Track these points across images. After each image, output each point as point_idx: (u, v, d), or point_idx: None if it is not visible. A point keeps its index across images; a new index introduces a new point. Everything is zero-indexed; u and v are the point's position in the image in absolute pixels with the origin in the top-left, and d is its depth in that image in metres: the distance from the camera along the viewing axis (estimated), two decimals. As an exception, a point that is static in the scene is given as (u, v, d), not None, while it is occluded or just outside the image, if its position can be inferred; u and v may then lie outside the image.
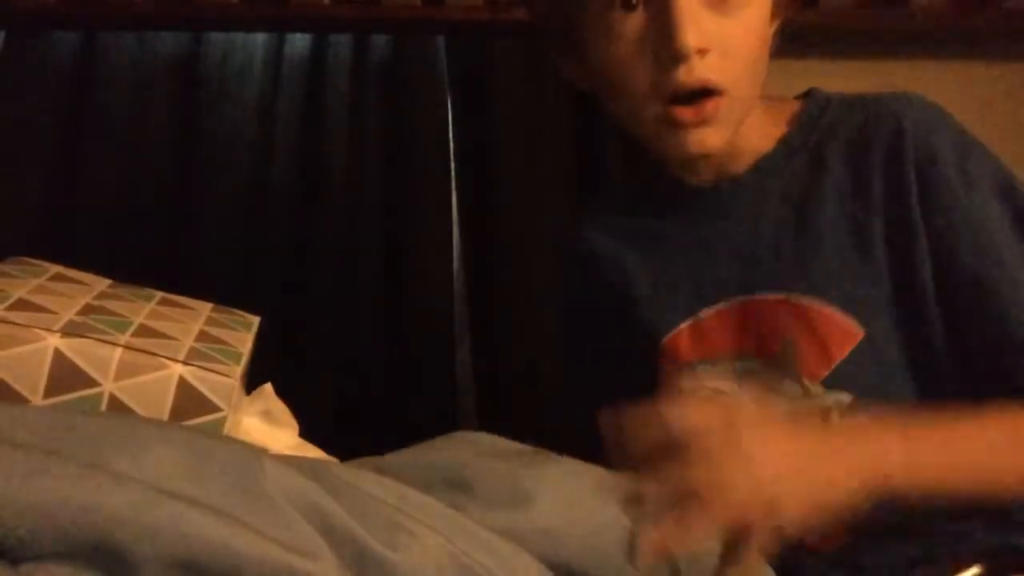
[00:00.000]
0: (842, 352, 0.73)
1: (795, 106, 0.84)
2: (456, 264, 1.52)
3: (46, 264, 0.73)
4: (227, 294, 1.42)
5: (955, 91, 1.71)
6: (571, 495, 0.55)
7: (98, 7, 1.49)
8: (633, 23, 0.72)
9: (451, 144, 1.56)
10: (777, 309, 0.75)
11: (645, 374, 0.82)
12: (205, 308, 0.73)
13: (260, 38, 1.56)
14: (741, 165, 0.80)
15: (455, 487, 0.54)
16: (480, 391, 1.46)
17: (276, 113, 1.53)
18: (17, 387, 0.59)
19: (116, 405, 0.59)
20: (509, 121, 1.54)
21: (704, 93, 0.72)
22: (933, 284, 0.72)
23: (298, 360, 1.42)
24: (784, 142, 0.80)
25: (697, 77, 0.71)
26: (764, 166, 0.80)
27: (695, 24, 0.70)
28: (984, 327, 0.72)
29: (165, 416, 0.59)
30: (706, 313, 0.78)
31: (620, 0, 0.71)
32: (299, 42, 1.57)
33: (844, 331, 0.73)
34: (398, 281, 1.48)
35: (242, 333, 0.69)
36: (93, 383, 0.59)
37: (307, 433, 0.70)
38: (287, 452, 0.65)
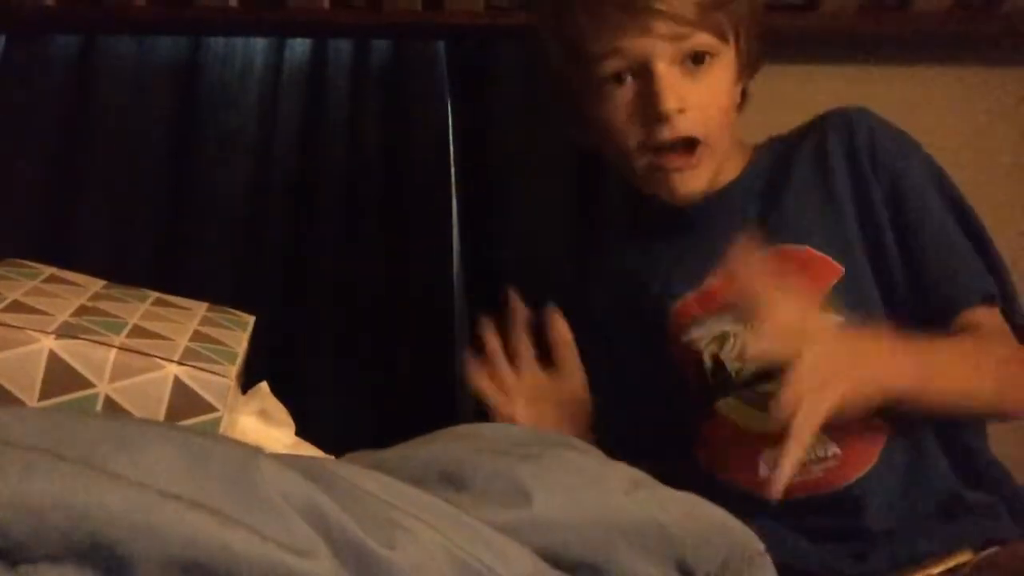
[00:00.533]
0: (827, 284, 0.88)
1: (755, 143, 1.03)
2: (456, 264, 1.52)
3: (40, 266, 0.73)
4: (226, 294, 1.42)
5: (955, 96, 1.71)
6: (571, 485, 0.55)
7: (98, 11, 1.50)
8: (624, 93, 0.89)
9: (451, 148, 1.56)
10: (770, 260, 0.89)
11: (657, 353, 0.97)
12: (200, 308, 0.73)
13: (260, 43, 1.56)
14: (721, 183, 0.97)
15: (450, 484, 0.54)
16: (480, 392, 1.46)
17: (276, 118, 1.53)
18: (12, 389, 0.58)
19: (111, 406, 0.59)
20: (509, 125, 1.54)
21: (685, 144, 0.90)
22: (894, 239, 0.90)
23: (297, 360, 1.42)
24: (758, 155, 0.99)
25: (678, 132, 0.89)
26: (744, 174, 0.97)
27: (674, 90, 0.87)
28: (927, 278, 0.90)
29: (161, 416, 0.59)
30: (709, 280, 0.93)
31: (613, 76, 0.89)
32: (299, 47, 1.58)
33: (828, 267, 0.89)
34: (398, 282, 1.48)
35: (237, 332, 0.69)
36: (88, 384, 0.59)
37: (305, 433, 0.70)
38: (284, 451, 0.64)
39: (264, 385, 0.67)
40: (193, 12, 1.50)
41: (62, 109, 1.49)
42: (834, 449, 0.83)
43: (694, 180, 0.92)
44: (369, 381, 1.43)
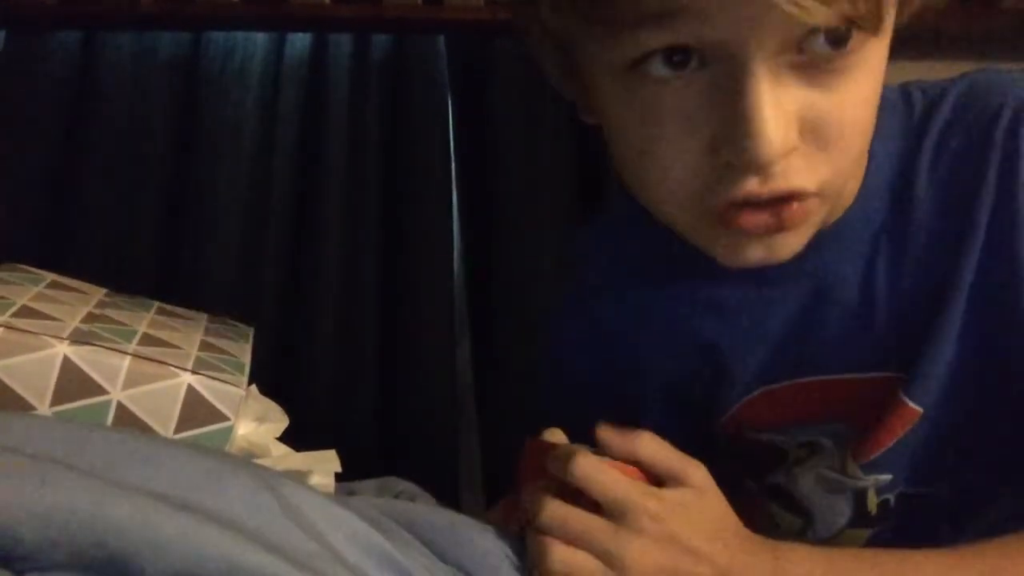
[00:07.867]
0: (895, 436, 0.64)
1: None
2: (456, 264, 1.52)
3: (41, 271, 0.73)
4: (227, 294, 1.43)
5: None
6: None
7: (98, 7, 1.49)
8: (681, 92, 0.48)
9: (451, 144, 1.56)
10: (849, 386, 0.65)
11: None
12: (201, 318, 0.73)
13: (260, 38, 1.56)
14: (826, 221, 0.60)
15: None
16: (480, 391, 1.47)
17: (276, 113, 1.53)
18: (23, 394, 0.58)
19: (123, 413, 0.59)
20: (509, 121, 1.54)
21: (786, 199, 0.51)
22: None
23: (297, 359, 1.43)
24: (875, 163, 0.63)
25: (777, 187, 0.50)
26: (859, 204, 0.62)
27: (780, 112, 0.47)
28: None
29: (172, 424, 0.59)
30: (780, 386, 0.67)
31: (663, 55, 0.47)
32: (299, 42, 1.57)
33: (904, 414, 0.63)
34: (398, 280, 1.48)
35: (240, 343, 0.69)
36: (101, 391, 0.59)
37: (305, 436, 0.70)
38: (282, 447, 0.65)
39: (253, 387, 0.67)
40: (193, 8, 1.50)
41: (63, 105, 1.49)
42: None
43: (785, 245, 0.53)
44: (369, 382, 1.44)
